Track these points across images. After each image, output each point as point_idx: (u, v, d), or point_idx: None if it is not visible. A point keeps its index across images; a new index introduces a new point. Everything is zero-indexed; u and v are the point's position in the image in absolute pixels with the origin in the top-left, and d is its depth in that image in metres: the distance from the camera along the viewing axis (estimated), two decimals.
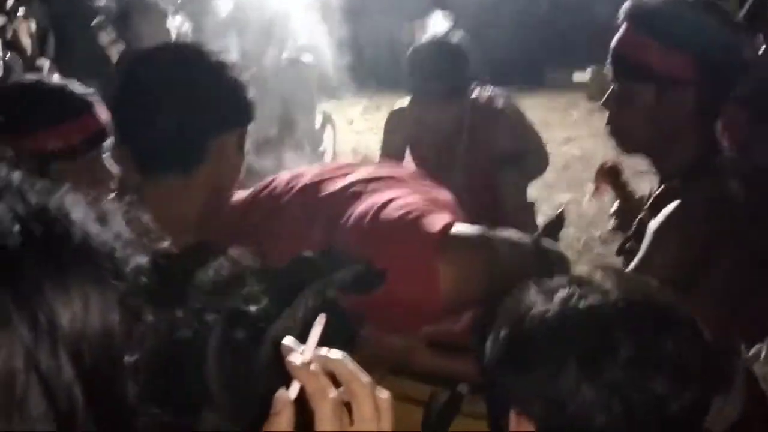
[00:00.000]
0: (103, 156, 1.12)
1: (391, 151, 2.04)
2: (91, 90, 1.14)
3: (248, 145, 0.96)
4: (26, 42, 3.02)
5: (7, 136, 0.97)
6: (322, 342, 0.48)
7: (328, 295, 0.56)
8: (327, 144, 3.20)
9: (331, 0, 2.72)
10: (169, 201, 0.90)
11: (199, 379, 0.50)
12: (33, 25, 3.11)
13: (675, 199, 0.99)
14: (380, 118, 2.25)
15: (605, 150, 2.80)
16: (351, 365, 0.47)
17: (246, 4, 2.62)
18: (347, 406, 0.47)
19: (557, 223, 1.12)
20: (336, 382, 0.47)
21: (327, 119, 3.24)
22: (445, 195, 0.99)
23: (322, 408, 0.46)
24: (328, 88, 3.50)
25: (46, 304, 0.35)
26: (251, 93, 0.95)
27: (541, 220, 2.32)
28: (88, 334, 0.36)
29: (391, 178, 0.97)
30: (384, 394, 0.48)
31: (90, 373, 0.36)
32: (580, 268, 0.93)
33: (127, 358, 0.38)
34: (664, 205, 0.99)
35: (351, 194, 0.91)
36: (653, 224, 0.98)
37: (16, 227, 0.35)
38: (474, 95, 1.94)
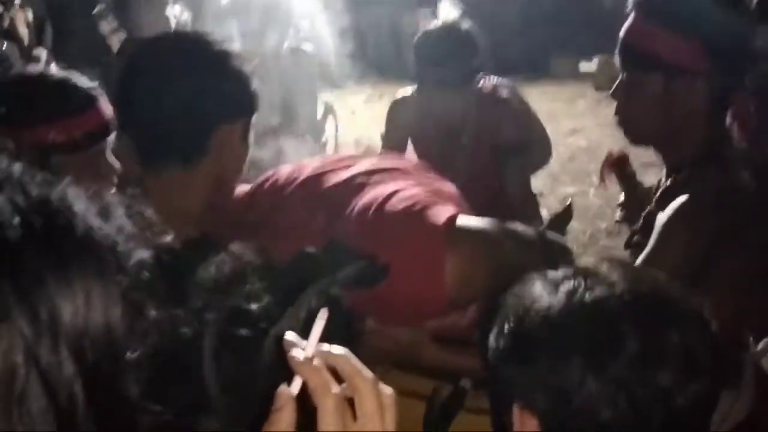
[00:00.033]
0: (107, 150, 1.12)
1: (393, 142, 2.03)
2: (94, 83, 1.13)
3: (251, 136, 0.96)
4: (23, 31, 3.01)
5: (9, 128, 0.97)
6: (325, 339, 0.48)
7: (332, 293, 0.56)
8: (329, 134, 3.18)
9: None
10: (171, 193, 0.90)
11: (199, 379, 0.49)
12: (30, 15, 3.10)
13: (684, 191, 0.98)
14: (383, 108, 2.23)
15: (612, 141, 2.79)
16: (354, 361, 0.47)
17: None
18: (350, 402, 0.46)
19: (564, 216, 1.11)
20: (338, 378, 0.47)
21: (329, 109, 3.22)
22: (449, 187, 0.98)
23: (325, 404, 0.45)
24: (329, 78, 3.48)
25: (47, 298, 0.35)
26: (255, 83, 0.94)
27: (545, 212, 2.31)
28: (90, 329, 0.36)
29: (394, 169, 0.96)
30: (387, 390, 0.47)
31: (91, 369, 0.35)
32: (586, 261, 0.92)
33: (129, 355, 0.38)
34: (673, 198, 0.98)
35: (354, 186, 0.91)
36: (662, 217, 0.97)
37: (17, 219, 0.35)
38: (479, 85, 1.92)
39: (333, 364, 0.47)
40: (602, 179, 1.23)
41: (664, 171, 1.09)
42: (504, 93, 1.96)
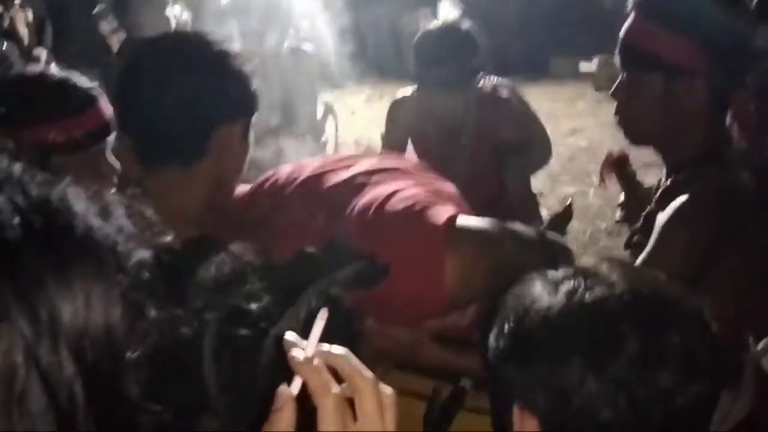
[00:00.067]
0: (107, 151, 1.12)
1: (393, 142, 2.03)
2: (95, 83, 1.13)
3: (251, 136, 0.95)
4: (23, 31, 3.01)
5: (10, 128, 0.97)
6: (325, 339, 0.47)
7: (332, 294, 0.56)
8: (329, 134, 3.18)
9: None
10: (171, 194, 0.90)
11: (199, 379, 0.49)
12: (30, 14, 3.10)
13: (684, 191, 0.98)
14: (383, 108, 2.23)
15: (612, 141, 2.79)
16: (354, 361, 0.47)
17: None
18: (350, 402, 0.46)
19: (564, 217, 1.11)
20: (339, 379, 0.47)
21: (329, 109, 3.22)
22: (449, 187, 0.98)
23: (325, 404, 0.45)
24: (329, 78, 3.48)
25: (47, 298, 0.35)
26: (255, 83, 0.94)
27: (545, 212, 2.30)
28: (90, 329, 0.36)
29: (395, 169, 0.96)
30: (387, 390, 0.47)
31: (91, 369, 0.35)
32: (586, 261, 0.92)
33: (129, 355, 0.37)
34: (673, 198, 0.98)
35: (354, 186, 0.91)
36: (661, 218, 0.97)
37: (17, 219, 0.35)
38: (479, 85, 1.92)
39: (333, 364, 0.47)
40: (602, 179, 1.23)
41: (664, 171, 1.09)
42: (504, 93, 1.96)
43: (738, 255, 0.94)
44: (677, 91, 1.01)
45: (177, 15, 2.63)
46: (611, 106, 1.11)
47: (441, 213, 0.87)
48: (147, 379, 0.38)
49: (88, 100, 1.10)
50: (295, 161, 1.02)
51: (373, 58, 5.46)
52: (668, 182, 1.06)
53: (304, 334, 0.48)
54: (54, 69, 1.28)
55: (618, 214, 1.22)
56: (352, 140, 3.98)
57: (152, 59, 0.93)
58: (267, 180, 0.98)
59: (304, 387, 0.46)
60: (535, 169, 2.08)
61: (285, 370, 0.46)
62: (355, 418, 0.46)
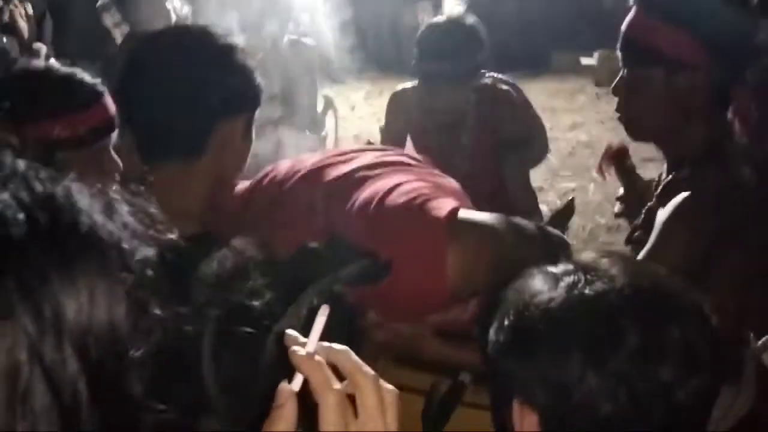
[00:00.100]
0: (111, 147, 1.12)
1: (393, 134, 2.02)
2: (98, 80, 1.13)
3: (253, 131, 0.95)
4: (23, 26, 3.00)
5: (14, 123, 0.97)
6: (326, 336, 0.48)
7: (334, 291, 0.56)
8: (329, 129, 3.17)
9: None
10: (173, 190, 0.89)
11: (199, 378, 0.49)
12: (29, 8, 3.09)
13: (685, 188, 0.98)
14: (383, 104, 2.22)
15: (612, 136, 2.78)
16: (355, 358, 0.47)
17: None
18: (351, 399, 0.46)
19: (566, 213, 1.10)
20: (340, 376, 0.47)
21: (329, 104, 3.21)
22: (450, 181, 0.98)
23: (326, 400, 0.45)
24: (329, 73, 3.46)
25: (51, 295, 0.35)
26: (258, 78, 0.93)
27: (545, 207, 2.30)
28: (94, 326, 0.36)
29: (396, 163, 0.96)
30: (389, 386, 0.47)
31: (95, 367, 0.35)
32: (586, 256, 0.92)
33: (133, 353, 0.38)
34: (674, 194, 0.98)
35: (356, 180, 0.91)
36: (662, 215, 0.97)
37: (21, 215, 0.35)
38: (480, 81, 1.92)
39: (334, 360, 0.47)
40: (601, 172, 1.23)
41: (665, 166, 1.09)
42: (504, 88, 1.95)
43: (738, 254, 0.94)
44: (679, 86, 1.01)
45: (177, 8, 2.62)
46: (612, 102, 1.11)
47: (443, 206, 0.87)
48: (150, 377, 0.38)
49: (93, 95, 1.10)
50: (294, 155, 1.02)
51: (373, 53, 5.44)
52: (669, 178, 1.05)
53: (306, 331, 0.48)
54: (56, 64, 1.27)
55: (617, 207, 1.22)
56: (352, 135, 3.97)
57: (155, 53, 0.92)
58: (266, 176, 0.98)
59: (305, 384, 0.46)
60: (535, 164, 2.08)
61: (286, 368, 0.46)
62: (356, 415, 0.46)
